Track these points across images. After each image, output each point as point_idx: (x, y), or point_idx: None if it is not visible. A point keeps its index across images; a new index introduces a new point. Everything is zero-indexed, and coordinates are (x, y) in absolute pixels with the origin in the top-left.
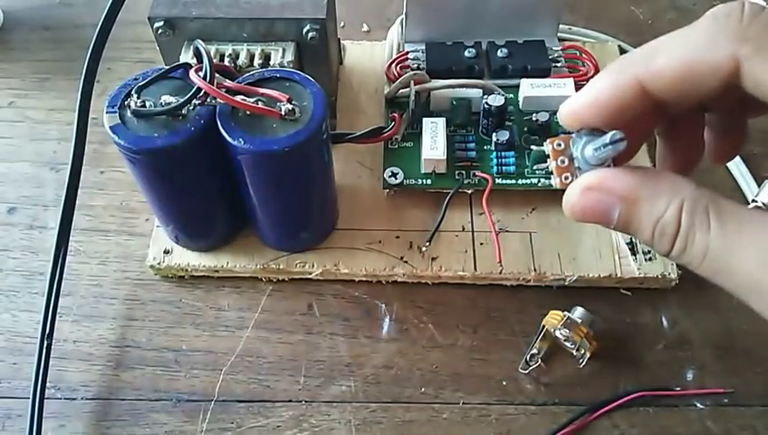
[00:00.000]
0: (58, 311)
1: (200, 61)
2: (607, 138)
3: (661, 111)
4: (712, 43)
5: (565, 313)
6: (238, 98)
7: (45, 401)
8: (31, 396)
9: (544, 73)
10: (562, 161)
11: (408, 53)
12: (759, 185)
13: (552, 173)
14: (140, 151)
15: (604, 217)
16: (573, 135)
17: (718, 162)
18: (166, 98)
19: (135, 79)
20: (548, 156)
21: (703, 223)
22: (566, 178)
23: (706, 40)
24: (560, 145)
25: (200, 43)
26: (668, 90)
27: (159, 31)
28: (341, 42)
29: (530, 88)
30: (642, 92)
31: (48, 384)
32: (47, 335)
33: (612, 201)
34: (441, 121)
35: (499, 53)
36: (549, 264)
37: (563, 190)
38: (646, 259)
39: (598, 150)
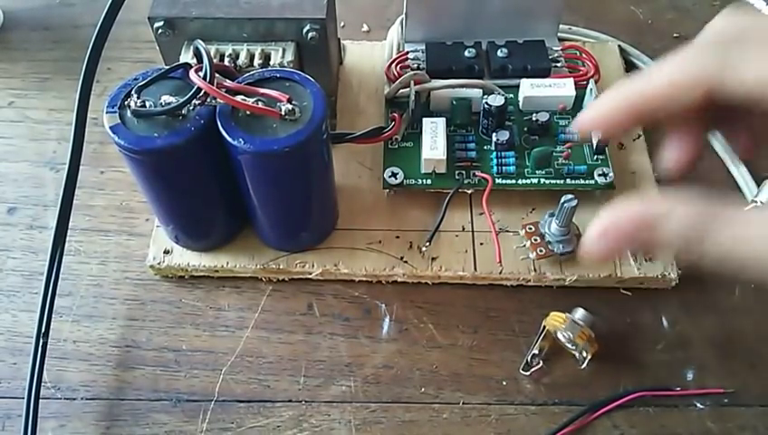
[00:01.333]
0: (59, 311)
1: (200, 61)
2: (561, 203)
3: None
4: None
5: (567, 315)
6: (238, 98)
7: (46, 401)
8: (26, 395)
9: (544, 73)
10: (536, 239)
11: (408, 53)
12: (758, 185)
13: (529, 249)
14: (140, 151)
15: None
16: (541, 220)
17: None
18: (166, 98)
19: (135, 79)
20: (524, 236)
21: (712, 222)
22: (540, 250)
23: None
24: (531, 228)
25: (200, 43)
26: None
27: (159, 31)
28: (341, 42)
29: (530, 88)
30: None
31: (48, 384)
32: (43, 334)
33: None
34: (441, 121)
35: (499, 53)
36: (549, 264)
37: (561, 191)
38: (645, 259)
39: (557, 217)
